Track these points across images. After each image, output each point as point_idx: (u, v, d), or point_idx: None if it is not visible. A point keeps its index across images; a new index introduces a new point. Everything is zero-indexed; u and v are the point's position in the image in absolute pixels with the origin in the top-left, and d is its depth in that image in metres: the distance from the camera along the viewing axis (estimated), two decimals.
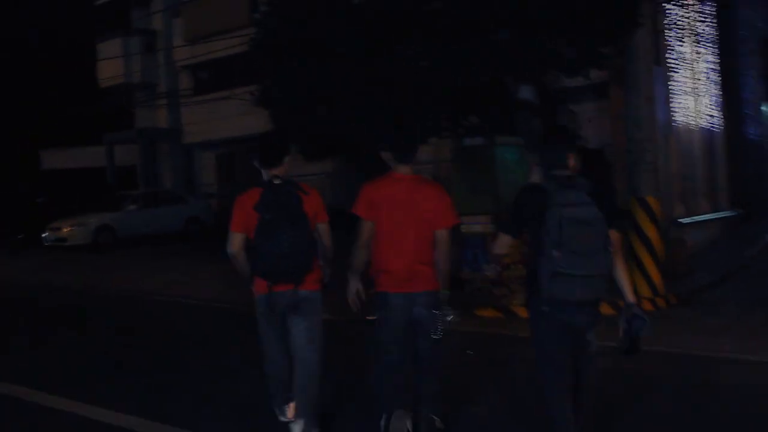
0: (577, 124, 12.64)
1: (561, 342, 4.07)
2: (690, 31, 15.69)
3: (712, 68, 17.08)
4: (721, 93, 17.46)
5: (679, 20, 14.57)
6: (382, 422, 4.67)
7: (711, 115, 17.02)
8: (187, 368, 7.71)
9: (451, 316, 4.66)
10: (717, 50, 17.31)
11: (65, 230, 20.72)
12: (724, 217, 17.09)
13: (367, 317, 4.83)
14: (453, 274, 5.18)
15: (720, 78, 17.43)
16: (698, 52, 16.31)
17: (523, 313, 10.31)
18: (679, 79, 14.90)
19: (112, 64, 26.34)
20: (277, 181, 4.71)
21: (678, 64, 14.87)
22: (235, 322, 10.29)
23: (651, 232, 10.61)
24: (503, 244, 4.35)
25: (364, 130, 10.24)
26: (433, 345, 4.70)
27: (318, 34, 9.71)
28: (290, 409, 4.90)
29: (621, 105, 14.66)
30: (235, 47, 22.36)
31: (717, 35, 17.29)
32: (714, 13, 17.12)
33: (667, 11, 13.76)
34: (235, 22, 22.85)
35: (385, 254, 4.66)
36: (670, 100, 14.16)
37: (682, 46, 15.21)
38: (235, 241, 4.78)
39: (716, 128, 17.35)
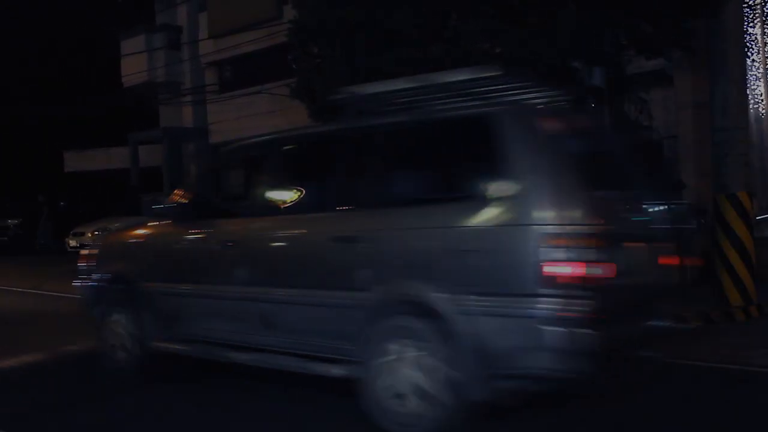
0: (648, 113, 11.39)
1: None
2: (760, 11, 14.39)
3: None
4: None
5: None
6: None
7: None
8: None
9: None
10: None
11: (89, 236, 19.81)
12: None
13: None
14: None
15: None
16: None
17: None
18: (750, 64, 13.62)
19: (135, 61, 25.58)
20: None
21: (749, 47, 13.58)
22: None
23: (742, 232, 9.41)
24: None
25: None
26: None
27: (374, 12, 8.51)
28: None
29: (690, 92, 13.57)
30: (264, 40, 21.48)
31: None
32: None
33: None
34: (263, 15, 22.09)
35: None
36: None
37: (753, 27, 13.93)
38: None
39: None
